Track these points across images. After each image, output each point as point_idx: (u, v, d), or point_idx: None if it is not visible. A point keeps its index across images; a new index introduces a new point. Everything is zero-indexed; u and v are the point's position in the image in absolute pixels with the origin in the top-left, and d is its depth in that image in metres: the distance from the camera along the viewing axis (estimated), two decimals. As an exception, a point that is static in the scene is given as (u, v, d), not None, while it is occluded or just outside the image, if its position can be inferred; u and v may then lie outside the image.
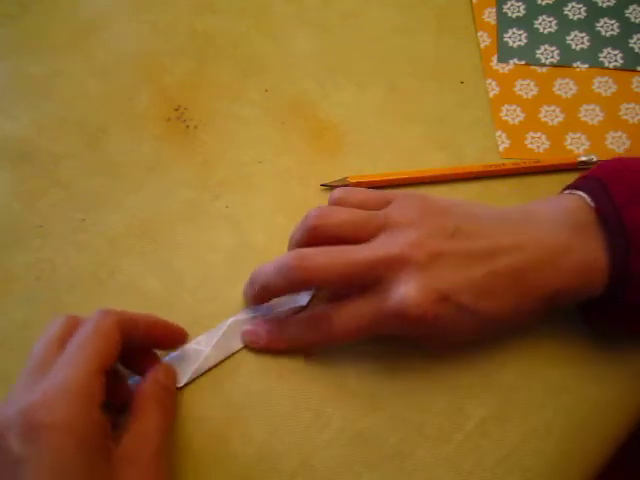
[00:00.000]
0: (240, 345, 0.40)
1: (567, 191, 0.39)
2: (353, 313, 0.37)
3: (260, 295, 0.39)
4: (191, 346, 0.39)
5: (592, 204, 0.36)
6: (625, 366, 0.39)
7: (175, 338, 0.39)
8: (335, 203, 0.40)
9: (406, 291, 0.34)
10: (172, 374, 0.38)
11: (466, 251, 0.35)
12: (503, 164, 0.45)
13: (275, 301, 0.40)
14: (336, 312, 0.37)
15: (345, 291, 0.38)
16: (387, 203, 0.39)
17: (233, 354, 0.40)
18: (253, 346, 0.40)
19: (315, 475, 0.37)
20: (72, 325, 0.35)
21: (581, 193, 0.37)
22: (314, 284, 0.38)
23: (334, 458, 0.37)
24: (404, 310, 0.34)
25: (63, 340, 0.34)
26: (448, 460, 0.37)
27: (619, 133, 0.46)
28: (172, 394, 0.37)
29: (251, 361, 0.40)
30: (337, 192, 0.40)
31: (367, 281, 0.36)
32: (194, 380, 0.39)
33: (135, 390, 0.35)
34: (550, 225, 0.36)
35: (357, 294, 0.37)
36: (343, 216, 0.38)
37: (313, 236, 0.38)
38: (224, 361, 0.40)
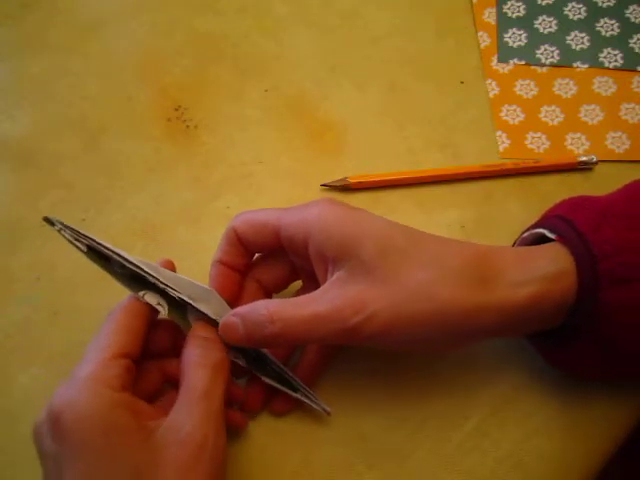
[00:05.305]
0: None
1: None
2: None
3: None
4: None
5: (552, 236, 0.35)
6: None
7: None
8: None
9: None
10: (210, 328, 0.36)
11: None
12: (503, 164, 0.45)
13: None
14: None
15: None
16: None
17: None
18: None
19: (315, 475, 0.37)
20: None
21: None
22: None
23: (334, 457, 0.37)
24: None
25: None
26: (448, 460, 0.37)
27: (619, 133, 0.46)
28: (215, 345, 0.35)
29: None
30: None
31: None
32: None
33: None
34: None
35: None
36: None
37: None
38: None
